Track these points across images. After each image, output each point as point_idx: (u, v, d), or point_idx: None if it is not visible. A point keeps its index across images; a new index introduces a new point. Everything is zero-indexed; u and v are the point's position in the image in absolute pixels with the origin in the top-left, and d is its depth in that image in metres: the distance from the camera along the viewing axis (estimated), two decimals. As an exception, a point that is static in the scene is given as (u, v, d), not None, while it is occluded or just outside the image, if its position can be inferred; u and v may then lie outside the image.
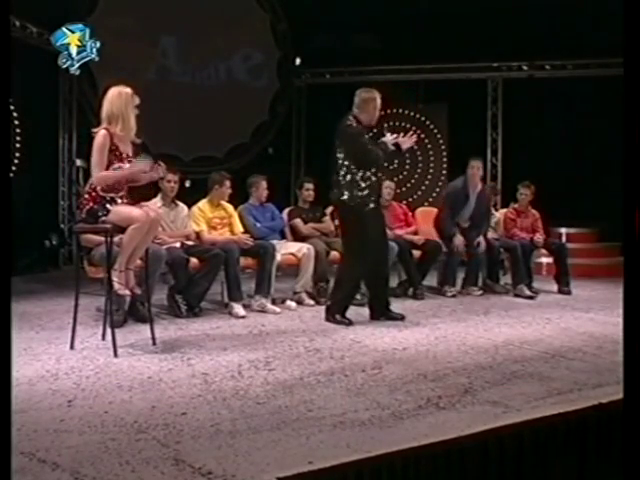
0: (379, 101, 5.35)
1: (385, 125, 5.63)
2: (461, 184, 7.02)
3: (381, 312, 5.45)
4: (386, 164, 5.57)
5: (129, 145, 4.35)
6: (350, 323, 5.20)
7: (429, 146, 10.61)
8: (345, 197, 5.22)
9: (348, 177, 5.20)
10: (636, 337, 2.81)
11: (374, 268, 5.36)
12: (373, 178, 5.25)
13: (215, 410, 3.12)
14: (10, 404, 2.34)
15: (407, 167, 10.62)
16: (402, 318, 5.37)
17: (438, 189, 10.42)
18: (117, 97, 4.26)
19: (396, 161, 10.52)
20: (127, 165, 4.27)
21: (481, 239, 6.94)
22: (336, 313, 5.27)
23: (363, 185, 5.20)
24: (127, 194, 4.36)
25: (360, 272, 5.37)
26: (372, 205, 5.25)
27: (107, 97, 4.30)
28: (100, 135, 4.20)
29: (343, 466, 2.51)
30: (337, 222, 6.65)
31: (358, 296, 6.10)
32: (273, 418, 3.01)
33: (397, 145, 5.31)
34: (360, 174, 5.20)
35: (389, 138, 5.31)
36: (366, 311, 5.72)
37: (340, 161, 5.24)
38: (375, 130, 5.67)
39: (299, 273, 6.14)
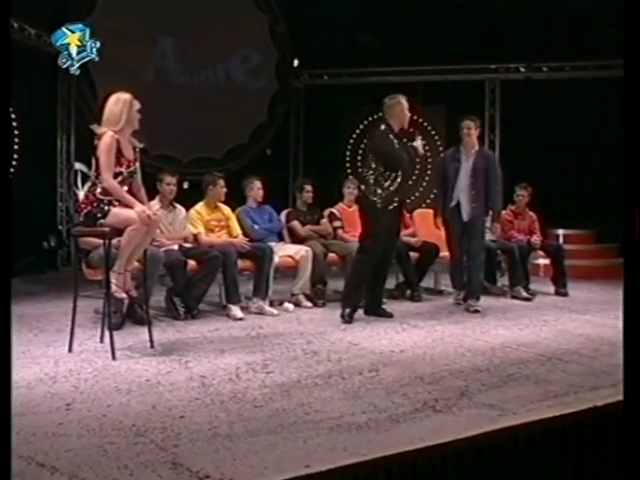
0: (404, 103, 5.57)
1: (417, 130, 5.86)
2: (452, 150, 6.32)
3: (374, 310, 5.64)
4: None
5: (131, 149, 4.37)
6: (347, 322, 5.29)
7: (427, 147, 10.58)
8: (372, 195, 5.45)
9: (372, 176, 5.45)
10: (636, 339, 2.83)
11: (379, 264, 5.58)
12: (398, 179, 5.45)
13: (213, 413, 3.13)
14: (10, 408, 2.35)
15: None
16: (391, 316, 5.60)
17: (436, 191, 10.42)
18: (115, 102, 4.30)
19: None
20: (125, 169, 4.29)
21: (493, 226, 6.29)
22: (346, 308, 5.41)
23: (387, 185, 5.41)
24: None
25: (368, 268, 5.54)
26: (394, 205, 5.46)
27: (107, 103, 4.34)
28: (108, 136, 4.22)
29: (340, 469, 2.53)
30: (340, 223, 6.75)
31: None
32: (270, 421, 3.02)
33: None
34: (386, 174, 5.42)
35: (419, 142, 5.58)
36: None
37: (369, 161, 5.53)
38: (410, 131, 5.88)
39: (297, 275, 6.15)
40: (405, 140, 5.66)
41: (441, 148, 10.56)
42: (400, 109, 5.54)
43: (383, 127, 5.54)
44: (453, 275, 6.47)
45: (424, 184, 10.62)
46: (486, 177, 6.08)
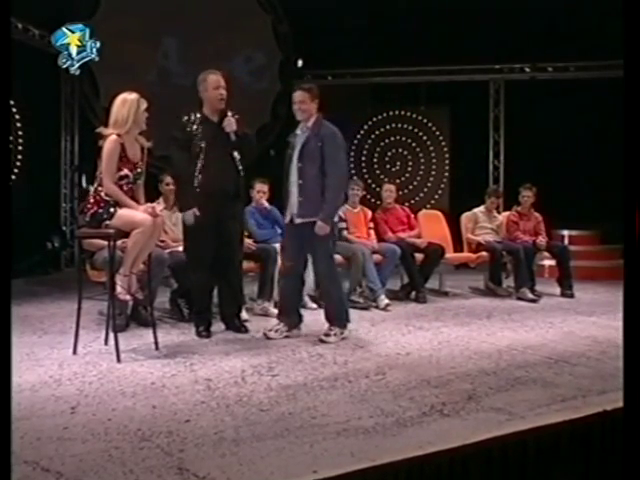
0: (207, 81, 4.86)
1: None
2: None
3: (230, 322, 5.02)
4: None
5: (138, 150, 4.35)
6: (204, 337, 4.78)
7: (431, 148, 10.59)
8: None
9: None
10: (636, 340, 2.80)
11: (225, 271, 4.94)
12: (197, 169, 4.77)
13: (218, 417, 3.11)
14: (10, 412, 2.32)
15: (409, 169, 10.61)
16: (246, 330, 4.92)
17: (440, 191, 10.43)
18: (122, 103, 4.28)
19: (398, 163, 10.59)
20: (130, 172, 4.28)
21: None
22: (198, 325, 4.91)
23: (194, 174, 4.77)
24: (130, 197, 4.35)
25: (193, 273, 4.93)
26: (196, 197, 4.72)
27: (113, 105, 4.32)
28: (110, 141, 4.21)
29: (347, 475, 2.50)
30: (344, 224, 6.68)
31: (361, 299, 6.11)
32: (276, 425, 3.00)
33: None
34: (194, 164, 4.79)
35: (226, 121, 4.92)
36: (369, 314, 5.73)
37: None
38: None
39: (301, 276, 6.11)
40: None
41: (445, 149, 10.56)
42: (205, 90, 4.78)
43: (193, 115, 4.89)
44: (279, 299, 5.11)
45: (428, 185, 10.57)
46: (322, 162, 4.64)
